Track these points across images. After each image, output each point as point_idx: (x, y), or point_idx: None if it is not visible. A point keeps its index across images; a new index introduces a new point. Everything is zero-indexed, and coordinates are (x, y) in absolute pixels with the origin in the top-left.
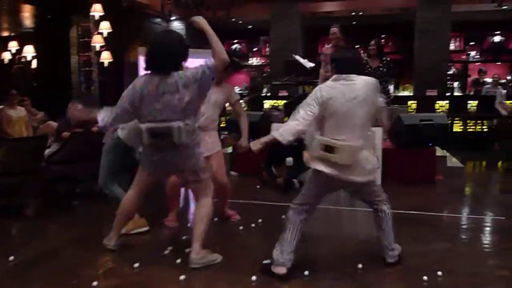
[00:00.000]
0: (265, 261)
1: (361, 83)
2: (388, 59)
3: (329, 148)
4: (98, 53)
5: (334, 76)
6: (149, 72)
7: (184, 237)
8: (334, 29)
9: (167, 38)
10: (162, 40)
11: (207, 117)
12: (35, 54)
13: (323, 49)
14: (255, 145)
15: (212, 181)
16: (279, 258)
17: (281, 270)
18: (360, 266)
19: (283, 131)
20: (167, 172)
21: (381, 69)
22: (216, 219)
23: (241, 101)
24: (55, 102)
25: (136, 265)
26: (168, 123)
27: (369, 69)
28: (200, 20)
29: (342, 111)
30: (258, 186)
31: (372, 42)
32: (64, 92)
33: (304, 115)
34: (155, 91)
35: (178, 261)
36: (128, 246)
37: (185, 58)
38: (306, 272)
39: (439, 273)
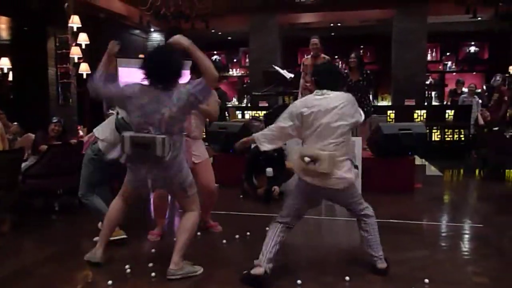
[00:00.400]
0: (245, 271)
1: (337, 96)
2: (368, 71)
3: (310, 159)
4: (77, 65)
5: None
6: (145, 82)
7: (153, 251)
8: (315, 40)
9: (172, 56)
10: (168, 57)
11: (195, 125)
12: (11, 66)
13: (303, 59)
14: (238, 144)
15: (200, 188)
16: (258, 261)
17: (258, 271)
18: (346, 277)
19: (260, 135)
20: (153, 186)
21: (361, 82)
22: (199, 233)
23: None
24: (32, 115)
25: (110, 282)
26: (153, 135)
27: (350, 82)
28: (180, 39)
29: (319, 123)
30: (241, 196)
31: (353, 55)
32: (42, 104)
33: (277, 126)
34: (147, 103)
35: (154, 275)
36: (106, 261)
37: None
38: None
39: (426, 280)
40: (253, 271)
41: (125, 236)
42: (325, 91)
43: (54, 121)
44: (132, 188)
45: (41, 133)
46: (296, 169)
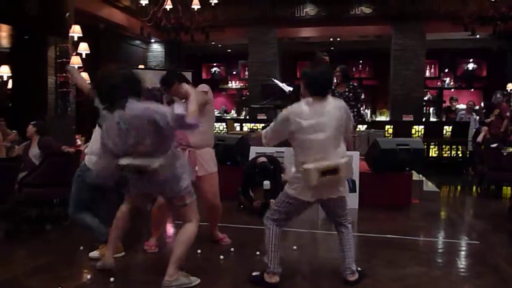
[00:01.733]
0: (254, 273)
1: (332, 103)
2: (355, 84)
3: (329, 171)
4: None
5: (309, 98)
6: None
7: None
8: (337, 69)
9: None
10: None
11: (201, 132)
12: (10, 74)
13: None
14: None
15: (203, 202)
16: (272, 268)
17: (275, 279)
18: None
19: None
20: (153, 194)
21: (347, 93)
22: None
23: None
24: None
25: None
26: (147, 160)
27: (336, 94)
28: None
29: (315, 132)
30: (241, 207)
31: (338, 69)
32: (40, 113)
33: (269, 130)
34: (117, 127)
35: (152, 285)
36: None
37: (135, 93)
38: None
39: None
40: (270, 280)
41: (123, 254)
42: (323, 99)
43: (32, 123)
44: (134, 196)
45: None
46: (309, 184)
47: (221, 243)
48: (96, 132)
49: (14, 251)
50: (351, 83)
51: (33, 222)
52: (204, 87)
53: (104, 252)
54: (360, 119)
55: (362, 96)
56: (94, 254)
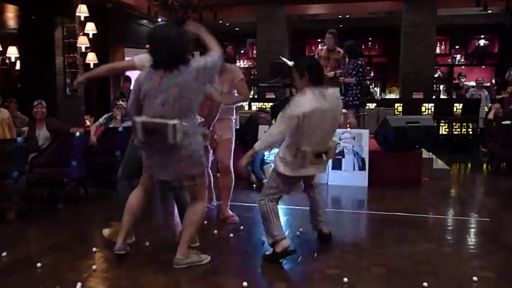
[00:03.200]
0: (267, 252)
1: (332, 93)
2: (359, 62)
3: (320, 153)
4: (84, 55)
5: (310, 89)
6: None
7: (174, 238)
8: (329, 35)
9: (168, 34)
10: (163, 35)
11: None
12: (18, 55)
13: (318, 50)
14: (244, 159)
15: (219, 169)
16: (279, 236)
17: (284, 245)
18: (344, 267)
19: (260, 144)
20: (165, 176)
21: (351, 70)
22: (205, 222)
23: None
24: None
25: (120, 269)
26: (165, 120)
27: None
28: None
29: (319, 120)
30: (253, 186)
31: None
32: (49, 94)
33: (279, 132)
34: (158, 86)
35: (163, 263)
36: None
37: (187, 51)
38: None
39: (425, 274)
40: (280, 248)
41: (133, 240)
42: (322, 88)
43: (35, 104)
44: (147, 177)
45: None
46: (304, 164)
47: (228, 221)
48: None
49: (27, 231)
50: (358, 61)
51: (45, 202)
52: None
53: (116, 231)
54: (369, 97)
55: (359, 76)
56: (106, 231)
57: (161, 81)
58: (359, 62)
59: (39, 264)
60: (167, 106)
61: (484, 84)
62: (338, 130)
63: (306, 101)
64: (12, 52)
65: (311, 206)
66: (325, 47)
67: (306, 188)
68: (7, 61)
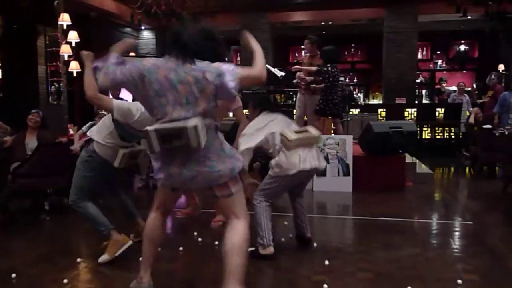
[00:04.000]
0: (250, 249)
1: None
2: (330, 69)
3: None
4: (67, 63)
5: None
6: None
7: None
8: (306, 40)
9: (208, 30)
10: (204, 29)
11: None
12: (0, 64)
13: (302, 57)
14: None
15: None
16: (266, 242)
17: (269, 250)
18: (330, 273)
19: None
20: (191, 185)
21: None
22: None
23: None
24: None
25: (105, 280)
26: (182, 122)
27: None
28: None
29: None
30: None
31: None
32: (32, 102)
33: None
34: (165, 76)
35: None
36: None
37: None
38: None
39: (411, 279)
40: (264, 252)
41: (131, 242)
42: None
43: (33, 112)
44: (169, 191)
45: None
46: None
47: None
48: (106, 119)
49: (11, 242)
50: (329, 66)
51: (28, 212)
52: None
53: (109, 247)
54: (352, 103)
55: (327, 81)
56: (104, 258)
57: (171, 70)
58: (329, 68)
59: (16, 276)
60: (181, 103)
61: (466, 89)
62: (322, 136)
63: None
64: None
65: (295, 212)
66: (308, 54)
67: (293, 196)
68: None
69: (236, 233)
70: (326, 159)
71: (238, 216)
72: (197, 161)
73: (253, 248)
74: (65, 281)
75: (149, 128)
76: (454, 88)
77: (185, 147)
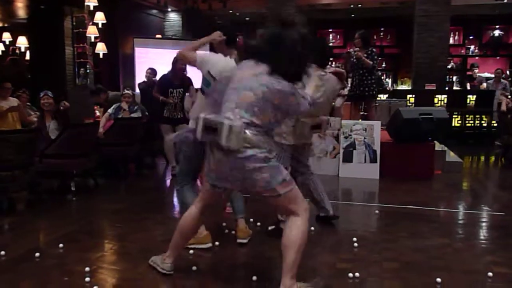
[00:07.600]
0: (270, 227)
1: None
2: (374, 49)
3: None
4: (93, 45)
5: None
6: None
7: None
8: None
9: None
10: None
11: None
12: (28, 45)
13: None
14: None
15: None
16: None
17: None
18: (355, 262)
19: None
20: (231, 184)
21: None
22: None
23: None
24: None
25: (129, 262)
26: (226, 119)
27: (354, 60)
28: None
29: None
30: None
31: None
32: (59, 84)
33: None
34: (242, 81)
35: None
36: (124, 243)
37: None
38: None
39: (438, 269)
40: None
41: (210, 245)
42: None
43: (41, 95)
44: (211, 187)
45: None
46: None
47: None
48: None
49: (37, 222)
50: (370, 48)
51: (55, 193)
52: None
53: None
54: (380, 88)
55: (372, 62)
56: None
57: (247, 73)
58: (373, 50)
59: (40, 255)
60: (240, 104)
61: (502, 76)
62: (349, 121)
63: None
64: (22, 42)
65: (312, 196)
66: (357, 49)
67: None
68: (17, 51)
69: (292, 232)
70: (353, 144)
71: (294, 212)
72: (233, 163)
73: (273, 226)
74: (88, 264)
75: (201, 114)
76: (487, 74)
77: (217, 142)
